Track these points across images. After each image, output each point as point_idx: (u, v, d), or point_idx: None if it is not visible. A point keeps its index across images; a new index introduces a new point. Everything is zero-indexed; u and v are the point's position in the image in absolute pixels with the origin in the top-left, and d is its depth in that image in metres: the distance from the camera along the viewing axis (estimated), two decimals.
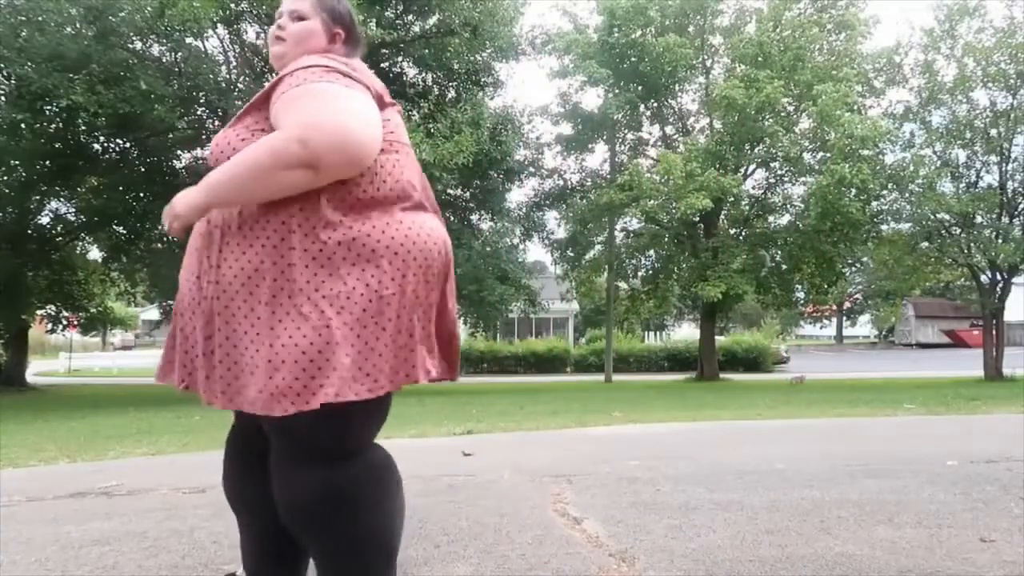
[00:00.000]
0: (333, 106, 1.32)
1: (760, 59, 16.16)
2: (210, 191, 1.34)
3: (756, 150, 17.30)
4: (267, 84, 1.44)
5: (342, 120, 1.30)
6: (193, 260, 1.49)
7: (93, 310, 20.55)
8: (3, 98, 12.98)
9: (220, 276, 1.38)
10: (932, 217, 15.56)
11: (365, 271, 1.36)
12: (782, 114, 16.38)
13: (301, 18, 1.56)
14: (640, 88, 18.03)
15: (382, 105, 1.46)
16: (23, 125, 12.57)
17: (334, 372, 1.31)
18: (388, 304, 1.37)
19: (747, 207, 18.11)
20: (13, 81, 12.60)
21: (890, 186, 15.82)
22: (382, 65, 16.55)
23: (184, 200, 1.39)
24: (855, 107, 15.79)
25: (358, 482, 1.43)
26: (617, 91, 17.78)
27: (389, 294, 1.37)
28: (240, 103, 14.37)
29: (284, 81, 1.38)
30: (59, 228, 17.61)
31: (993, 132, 15.28)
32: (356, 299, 1.35)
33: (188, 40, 14.30)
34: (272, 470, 1.45)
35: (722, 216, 18.41)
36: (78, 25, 12.99)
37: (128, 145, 15.73)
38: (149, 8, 12.70)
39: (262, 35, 16.43)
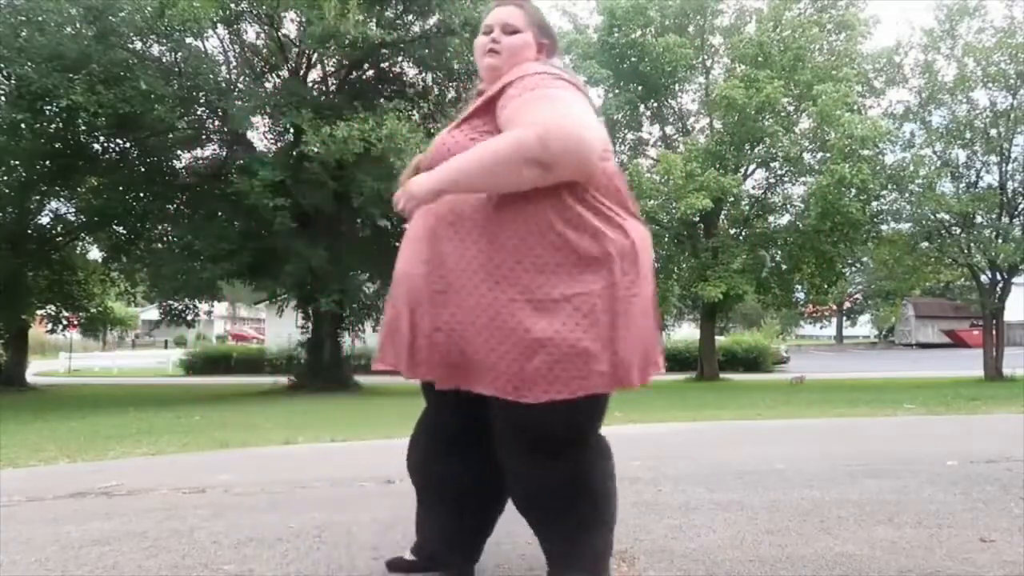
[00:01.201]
0: (568, 111, 1.41)
1: (760, 59, 16.16)
2: (448, 176, 1.43)
3: (756, 150, 17.29)
4: (490, 90, 1.54)
5: (576, 125, 1.38)
6: (422, 249, 1.55)
7: (93, 310, 20.55)
8: (3, 98, 12.98)
9: (463, 264, 1.47)
10: (932, 217, 15.55)
11: (610, 272, 1.44)
12: (782, 114, 16.38)
13: (515, 31, 1.65)
14: (640, 88, 18.02)
15: None
16: (23, 125, 12.57)
17: (586, 364, 1.41)
18: (629, 303, 1.47)
19: (747, 207, 18.10)
20: (13, 81, 12.60)
21: (890, 186, 15.81)
22: (382, 65, 16.55)
23: (420, 183, 1.47)
24: (855, 107, 15.78)
25: (594, 469, 1.57)
26: (617, 91, 17.77)
27: (630, 294, 1.47)
28: (240, 103, 14.39)
29: (514, 85, 1.48)
30: (59, 228, 17.60)
31: (993, 132, 15.27)
32: (598, 298, 1.44)
33: (188, 40, 14.28)
34: (504, 460, 1.57)
35: (722, 216, 18.40)
36: (78, 25, 12.98)
37: (128, 145, 15.71)
38: (149, 8, 12.70)
39: (262, 35, 16.45)
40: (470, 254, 1.47)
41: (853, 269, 21.15)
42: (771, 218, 18.70)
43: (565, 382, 1.40)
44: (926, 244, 16.39)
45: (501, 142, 1.40)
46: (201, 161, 17.22)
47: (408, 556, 1.84)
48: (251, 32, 16.43)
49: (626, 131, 19.97)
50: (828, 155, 15.45)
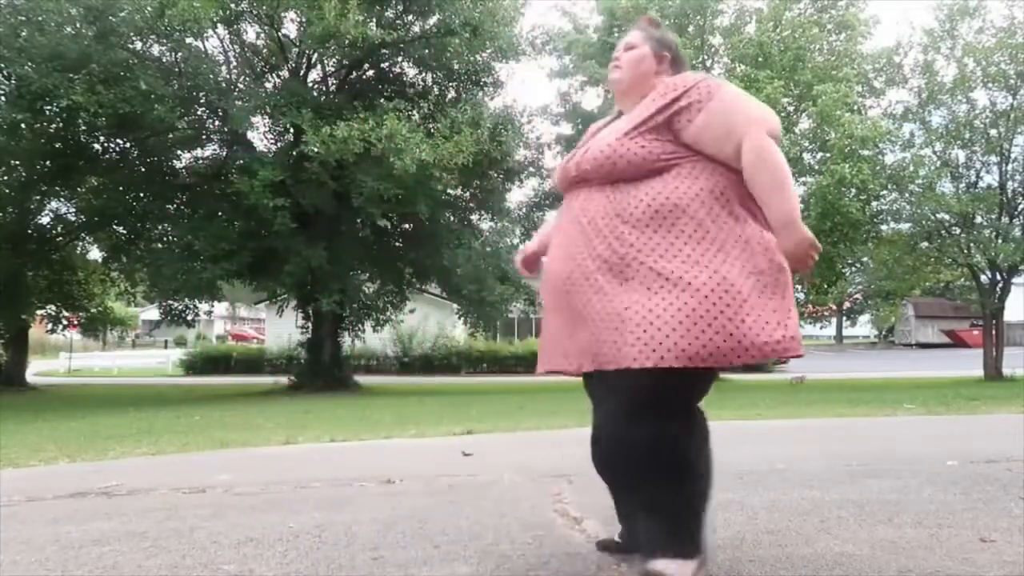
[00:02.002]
0: (752, 103, 1.72)
1: (760, 59, 16.15)
2: (796, 212, 1.64)
3: None
4: (659, 101, 1.72)
5: (761, 106, 1.72)
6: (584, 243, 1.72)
7: (93, 310, 20.55)
8: (3, 98, 12.98)
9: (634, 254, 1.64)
10: (932, 217, 15.54)
11: (752, 257, 1.66)
12: (782, 114, 16.34)
13: (632, 47, 1.89)
14: None
15: None
16: (23, 125, 12.57)
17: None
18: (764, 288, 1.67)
19: None
20: (13, 81, 12.60)
21: (890, 186, 15.81)
22: (382, 65, 16.55)
23: (802, 234, 1.63)
24: (855, 107, 15.77)
25: (691, 439, 1.68)
26: None
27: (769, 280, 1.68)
28: (240, 103, 14.38)
29: (687, 100, 1.68)
30: (59, 228, 17.60)
31: (993, 132, 15.27)
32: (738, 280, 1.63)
33: (188, 40, 14.28)
34: (605, 423, 1.73)
35: None
36: (78, 25, 12.98)
37: (128, 145, 15.71)
38: (149, 8, 12.70)
39: (262, 35, 16.45)
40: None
41: (853, 269, 21.11)
42: None
43: (643, 351, 1.55)
44: (926, 244, 16.38)
45: (776, 162, 1.64)
46: (201, 161, 17.22)
47: (617, 539, 1.98)
48: (251, 32, 16.43)
49: None
50: (828, 155, 15.43)
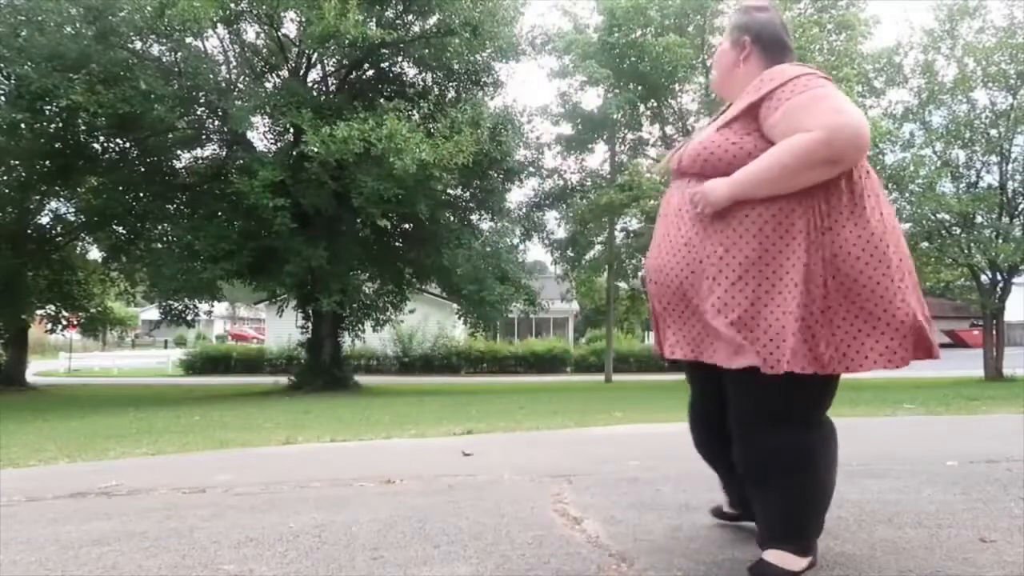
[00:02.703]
0: (839, 106, 1.55)
1: None
2: (739, 186, 1.59)
3: None
4: (750, 96, 1.68)
5: (852, 118, 1.53)
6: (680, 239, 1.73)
7: (93, 310, 20.57)
8: (3, 98, 12.99)
9: (734, 253, 1.62)
10: (932, 217, 15.55)
11: (859, 260, 1.59)
12: None
13: (720, 46, 1.88)
14: (640, 88, 18.01)
15: None
16: (23, 125, 12.59)
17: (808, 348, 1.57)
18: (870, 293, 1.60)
19: None
20: (13, 81, 12.62)
21: (890, 186, 15.80)
22: (382, 65, 16.55)
23: (718, 191, 1.62)
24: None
25: (817, 446, 1.71)
26: (617, 91, 17.76)
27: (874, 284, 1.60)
28: (240, 103, 14.39)
29: (775, 94, 1.62)
30: (59, 228, 17.62)
31: (993, 132, 15.28)
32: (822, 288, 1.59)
33: (188, 40, 14.30)
34: (736, 431, 1.74)
35: None
36: (78, 25, 13.00)
37: (128, 145, 15.73)
38: (149, 8, 12.71)
39: (262, 35, 16.47)
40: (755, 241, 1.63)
41: None
42: None
43: (778, 358, 1.55)
44: (926, 244, 16.39)
45: (790, 151, 1.53)
46: (201, 161, 17.23)
47: (726, 509, 2.15)
48: (251, 32, 16.45)
49: (626, 131, 19.96)
50: None
